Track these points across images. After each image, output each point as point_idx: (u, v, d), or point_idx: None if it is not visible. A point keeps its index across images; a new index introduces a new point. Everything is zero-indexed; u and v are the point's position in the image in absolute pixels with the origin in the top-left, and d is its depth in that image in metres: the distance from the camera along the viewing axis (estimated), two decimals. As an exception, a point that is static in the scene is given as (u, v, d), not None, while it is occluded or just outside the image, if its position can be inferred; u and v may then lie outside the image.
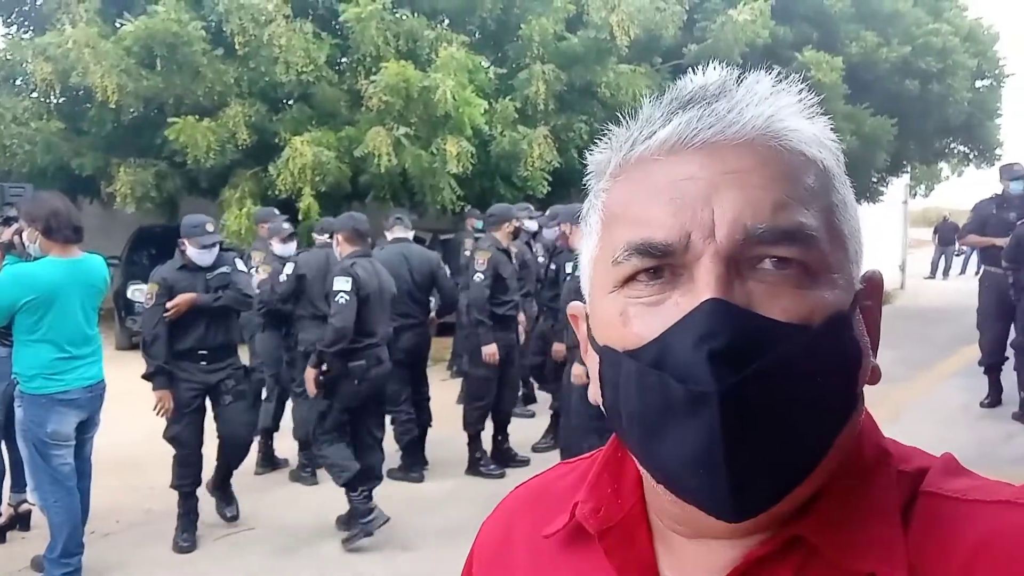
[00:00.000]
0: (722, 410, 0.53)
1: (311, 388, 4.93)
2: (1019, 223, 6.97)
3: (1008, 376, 7.25)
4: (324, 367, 4.91)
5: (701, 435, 0.54)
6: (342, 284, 4.88)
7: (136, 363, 4.88)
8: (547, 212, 7.55)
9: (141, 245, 12.51)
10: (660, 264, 0.59)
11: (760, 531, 0.61)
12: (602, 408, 0.64)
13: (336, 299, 4.86)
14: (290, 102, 11.49)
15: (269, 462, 6.27)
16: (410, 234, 6.46)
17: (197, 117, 10.40)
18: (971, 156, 18.72)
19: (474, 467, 6.09)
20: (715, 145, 0.59)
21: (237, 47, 10.46)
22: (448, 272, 6.82)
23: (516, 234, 6.44)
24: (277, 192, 10.34)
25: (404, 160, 10.27)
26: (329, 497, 5.29)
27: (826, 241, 0.59)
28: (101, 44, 10.01)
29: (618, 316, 0.61)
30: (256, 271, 6.27)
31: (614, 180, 0.64)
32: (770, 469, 0.55)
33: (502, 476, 6.00)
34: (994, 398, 7.39)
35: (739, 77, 0.63)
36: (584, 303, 0.69)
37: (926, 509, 0.60)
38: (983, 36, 17.24)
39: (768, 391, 0.54)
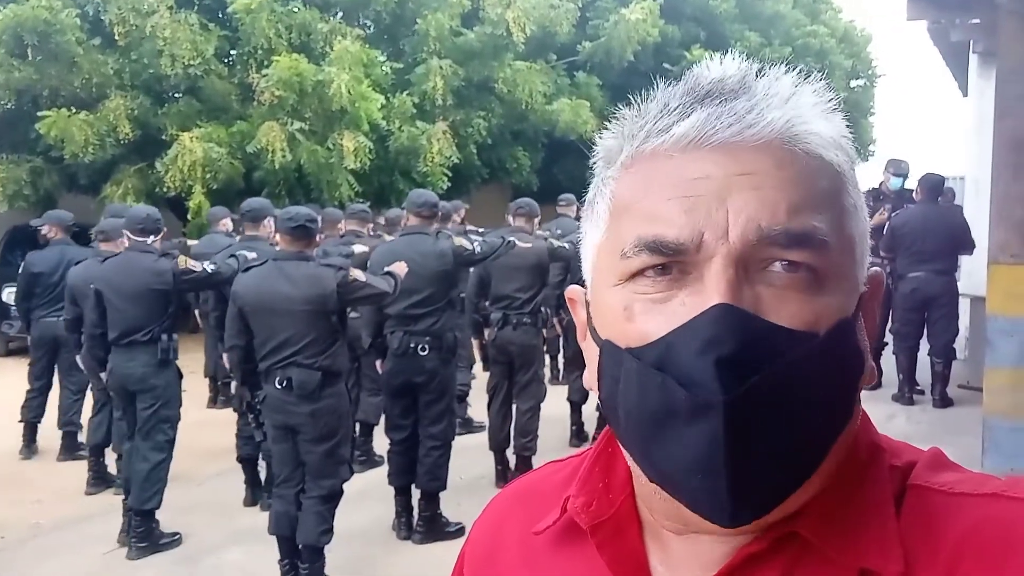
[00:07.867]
0: (726, 420, 0.53)
1: None
2: (892, 215, 7.39)
3: (887, 360, 7.67)
4: None
5: (703, 441, 0.54)
6: None
7: (13, 370, 4.60)
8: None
9: (15, 245, 11.71)
10: (669, 262, 0.58)
11: (752, 529, 0.60)
12: (597, 397, 0.63)
13: None
14: (177, 95, 11.04)
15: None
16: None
17: (73, 110, 9.88)
18: (847, 153, 19.70)
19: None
20: (732, 145, 0.58)
21: (117, 37, 9.99)
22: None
23: None
24: (166, 189, 9.94)
25: (299, 155, 10.05)
26: (233, 505, 5.12)
27: (836, 246, 0.58)
28: (-34, 33, 9.41)
29: (622, 310, 0.59)
30: None
31: (625, 170, 0.63)
32: (769, 476, 0.55)
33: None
34: (875, 381, 7.78)
35: (759, 71, 0.61)
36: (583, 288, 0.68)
37: (914, 502, 0.61)
38: (857, 38, 18.23)
39: (772, 400, 0.54)
